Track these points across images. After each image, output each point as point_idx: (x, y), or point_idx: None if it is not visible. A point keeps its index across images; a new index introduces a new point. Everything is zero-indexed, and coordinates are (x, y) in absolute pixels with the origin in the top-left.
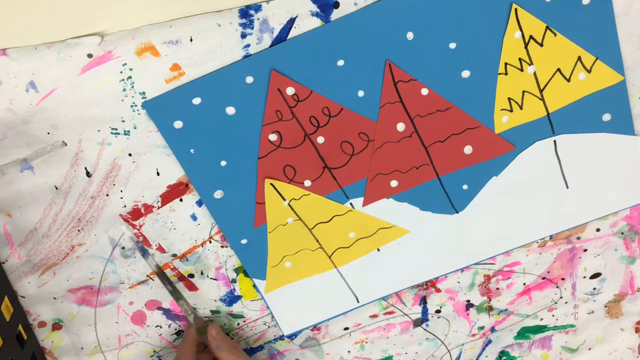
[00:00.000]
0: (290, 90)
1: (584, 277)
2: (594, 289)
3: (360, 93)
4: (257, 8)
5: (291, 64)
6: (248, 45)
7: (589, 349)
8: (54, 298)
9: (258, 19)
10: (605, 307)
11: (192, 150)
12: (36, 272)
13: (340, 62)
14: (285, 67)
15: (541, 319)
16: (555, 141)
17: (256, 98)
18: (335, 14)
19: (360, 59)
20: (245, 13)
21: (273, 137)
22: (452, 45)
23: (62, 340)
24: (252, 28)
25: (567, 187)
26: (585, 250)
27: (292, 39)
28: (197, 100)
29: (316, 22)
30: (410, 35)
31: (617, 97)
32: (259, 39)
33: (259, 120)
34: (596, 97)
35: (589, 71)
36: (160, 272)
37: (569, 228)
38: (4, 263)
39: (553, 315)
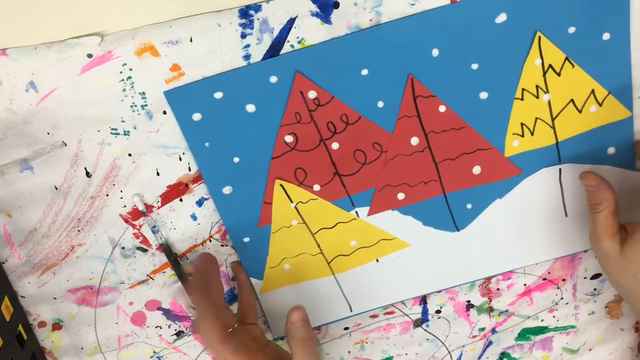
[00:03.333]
0: (312, 94)
1: (585, 277)
2: (595, 289)
3: (380, 104)
4: (257, 8)
5: (317, 68)
6: (248, 46)
7: (590, 349)
8: (54, 298)
9: (258, 19)
10: (606, 307)
11: (207, 144)
12: (36, 272)
13: (365, 72)
14: (310, 71)
15: (542, 320)
16: (560, 169)
17: (278, 98)
18: (335, 14)
19: (385, 70)
20: (245, 13)
21: (289, 138)
22: (475, 66)
23: (62, 340)
24: (252, 28)
25: (566, 215)
26: (586, 250)
27: (321, 44)
28: (218, 95)
29: (316, 22)
30: (435, 52)
31: (623, 132)
32: (259, 39)
33: (277, 120)
34: (604, 130)
35: (600, 104)
36: (167, 249)
37: (564, 255)
38: (4, 263)
39: (554, 316)
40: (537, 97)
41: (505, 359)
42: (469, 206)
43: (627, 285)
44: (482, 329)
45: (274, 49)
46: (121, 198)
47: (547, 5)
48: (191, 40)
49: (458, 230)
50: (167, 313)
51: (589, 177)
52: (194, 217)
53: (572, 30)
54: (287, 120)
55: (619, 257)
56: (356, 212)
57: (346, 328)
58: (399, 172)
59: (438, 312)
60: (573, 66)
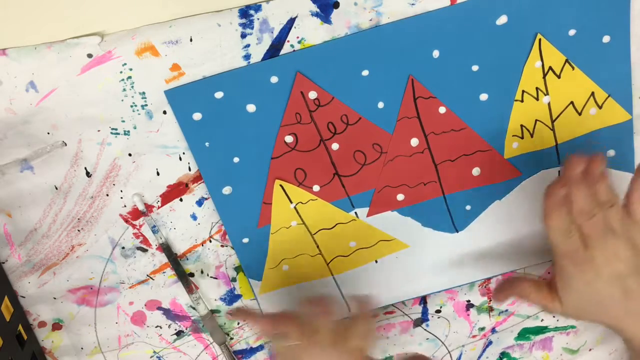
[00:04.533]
0: (312, 94)
1: None
2: None
3: (380, 104)
4: (257, 8)
5: (317, 68)
6: (248, 45)
7: (590, 349)
8: (54, 298)
9: (258, 19)
10: None
11: (207, 144)
12: (36, 272)
13: (365, 72)
14: (311, 71)
15: (542, 320)
16: (559, 172)
17: (278, 98)
18: (335, 14)
19: (385, 71)
20: (245, 13)
21: (289, 138)
22: (475, 68)
23: (62, 340)
24: (252, 28)
25: None
26: None
27: (321, 44)
28: (219, 94)
29: (316, 22)
30: (436, 54)
31: (622, 135)
32: (258, 39)
33: (277, 120)
34: (603, 132)
35: (600, 107)
36: (167, 249)
37: None
38: (4, 263)
39: (554, 316)
40: (537, 99)
41: (505, 358)
42: (468, 207)
43: (592, 318)
44: (482, 329)
45: (274, 48)
46: (121, 198)
47: (547, 7)
48: (191, 40)
49: (457, 231)
50: (167, 313)
51: (499, 296)
52: (194, 217)
53: (572, 32)
54: (287, 120)
55: (563, 309)
56: (355, 212)
57: None
58: (399, 173)
59: (438, 311)
60: (573, 68)
